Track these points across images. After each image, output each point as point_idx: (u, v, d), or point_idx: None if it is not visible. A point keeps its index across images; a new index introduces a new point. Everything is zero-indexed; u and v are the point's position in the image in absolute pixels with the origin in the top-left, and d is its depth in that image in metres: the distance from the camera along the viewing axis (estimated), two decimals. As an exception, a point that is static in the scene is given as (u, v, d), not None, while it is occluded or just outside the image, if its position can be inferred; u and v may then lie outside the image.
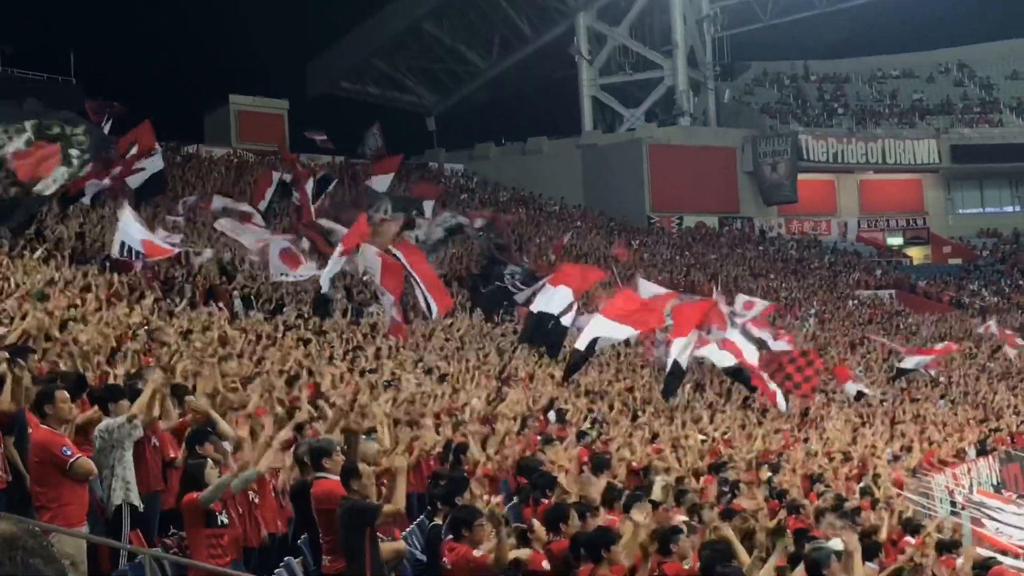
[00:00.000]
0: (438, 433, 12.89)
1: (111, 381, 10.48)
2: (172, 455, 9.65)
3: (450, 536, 8.39)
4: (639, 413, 21.52)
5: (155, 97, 54.96)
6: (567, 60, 68.70)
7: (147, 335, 14.80)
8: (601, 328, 16.50)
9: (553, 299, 19.75)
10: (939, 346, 36.37)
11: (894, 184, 68.36)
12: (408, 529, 10.61)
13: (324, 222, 25.12)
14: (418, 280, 19.12)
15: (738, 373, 20.55)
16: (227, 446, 9.23)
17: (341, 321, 23.66)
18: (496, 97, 73.13)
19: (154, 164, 24.92)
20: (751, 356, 20.34)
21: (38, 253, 20.48)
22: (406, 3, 68.78)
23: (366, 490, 7.97)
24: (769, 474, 16.82)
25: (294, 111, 61.33)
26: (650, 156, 64.15)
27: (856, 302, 54.60)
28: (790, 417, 25.14)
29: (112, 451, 8.68)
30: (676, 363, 19.62)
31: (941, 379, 36.39)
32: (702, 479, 14.86)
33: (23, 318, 12.37)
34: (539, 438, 15.22)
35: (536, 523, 8.91)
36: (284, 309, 24.13)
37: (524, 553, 8.33)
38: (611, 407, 21.54)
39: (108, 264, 21.51)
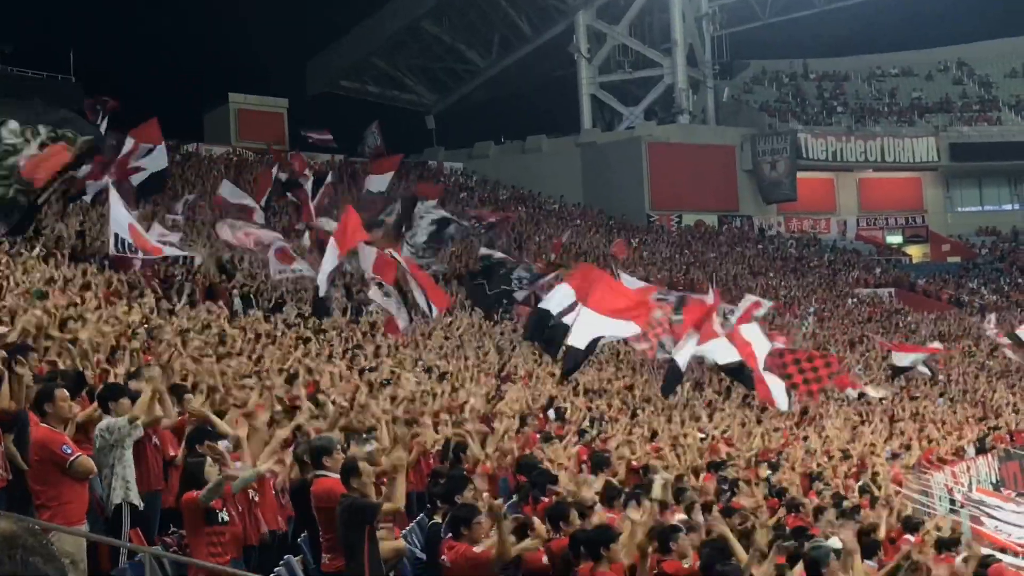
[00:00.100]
0: (437, 432, 12.89)
1: (111, 379, 10.48)
2: (172, 453, 9.66)
3: (449, 535, 8.39)
4: (638, 412, 21.54)
5: (155, 95, 54.91)
6: (566, 59, 68.67)
7: (147, 333, 14.80)
8: (597, 325, 16.37)
9: (553, 297, 19.72)
10: (933, 345, 36.31)
11: (893, 182, 68.35)
12: (408, 527, 10.63)
13: (324, 221, 25.14)
14: (417, 280, 19.16)
15: (738, 371, 20.45)
16: (226, 444, 9.22)
17: (340, 320, 23.66)
18: (495, 96, 73.14)
19: (156, 162, 24.88)
20: (762, 350, 20.19)
21: (36, 251, 20.48)
22: (406, 2, 68.79)
23: (366, 488, 7.97)
24: (768, 472, 16.84)
25: (294, 110, 61.38)
26: (649, 154, 64.13)
27: (855, 300, 54.61)
28: (790, 415, 25.13)
29: (112, 450, 8.68)
30: (675, 362, 19.61)
31: (940, 377, 36.40)
32: (701, 477, 14.88)
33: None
34: (538, 436, 15.24)
35: (536, 520, 8.91)
36: (284, 308, 24.13)
37: (530, 544, 8.32)
38: (609, 405, 21.56)
39: (107, 262, 21.51)
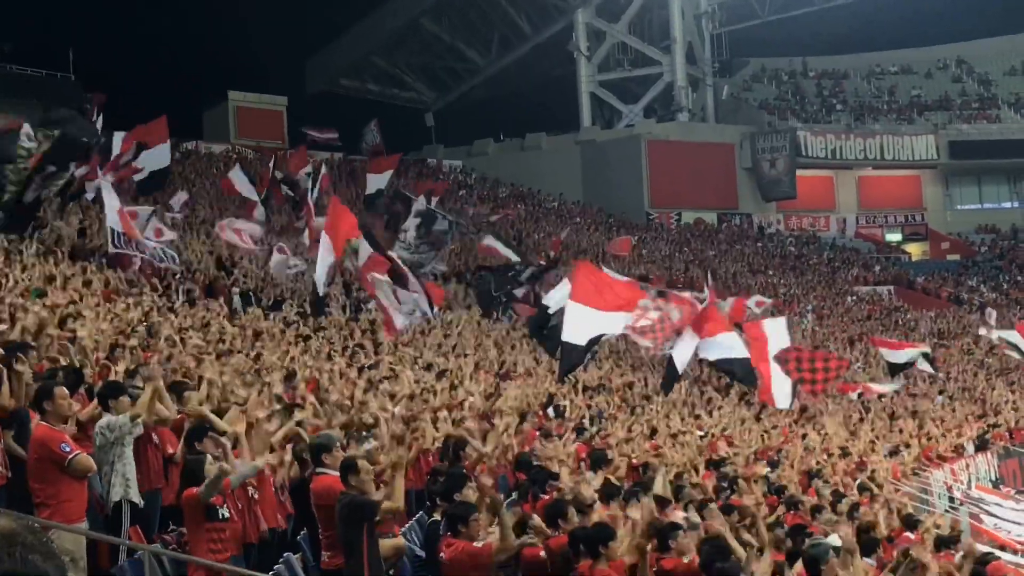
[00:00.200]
0: (437, 429, 12.89)
1: (111, 377, 10.48)
2: (171, 451, 9.66)
3: (448, 533, 8.39)
4: (637, 409, 21.54)
5: (154, 93, 54.97)
6: (566, 57, 68.66)
7: (146, 331, 14.81)
8: (586, 320, 16.15)
9: (554, 296, 19.67)
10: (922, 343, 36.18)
11: (892, 180, 68.34)
12: (407, 525, 10.63)
13: (320, 221, 25.07)
14: (414, 279, 19.13)
15: (736, 368, 20.30)
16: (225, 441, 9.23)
17: (340, 318, 23.66)
18: (495, 94, 73.13)
19: (158, 160, 24.81)
20: (779, 344, 20.05)
21: (32, 248, 20.48)
22: (405, 1, 68.75)
23: (364, 485, 7.97)
24: (768, 469, 16.84)
25: (293, 108, 61.38)
26: (649, 152, 64.14)
27: (855, 298, 54.62)
28: (788, 413, 25.12)
29: (112, 447, 8.68)
30: (672, 359, 19.54)
31: (939, 375, 36.38)
32: (700, 474, 14.88)
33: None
34: (538, 433, 15.24)
35: (536, 518, 8.91)
36: (283, 306, 24.12)
37: (531, 538, 8.32)
38: (608, 403, 21.56)
39: (106, 260, 21.51)
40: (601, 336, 17.69)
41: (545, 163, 64.92)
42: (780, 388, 19.85)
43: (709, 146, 65.33)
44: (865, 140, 67.00)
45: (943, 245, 67.40)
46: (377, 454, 9.74)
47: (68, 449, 7.90)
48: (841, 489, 16.83)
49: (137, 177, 24.37)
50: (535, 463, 12.16)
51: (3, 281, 16.35)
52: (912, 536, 13.29)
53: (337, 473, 8.27)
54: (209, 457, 8.44)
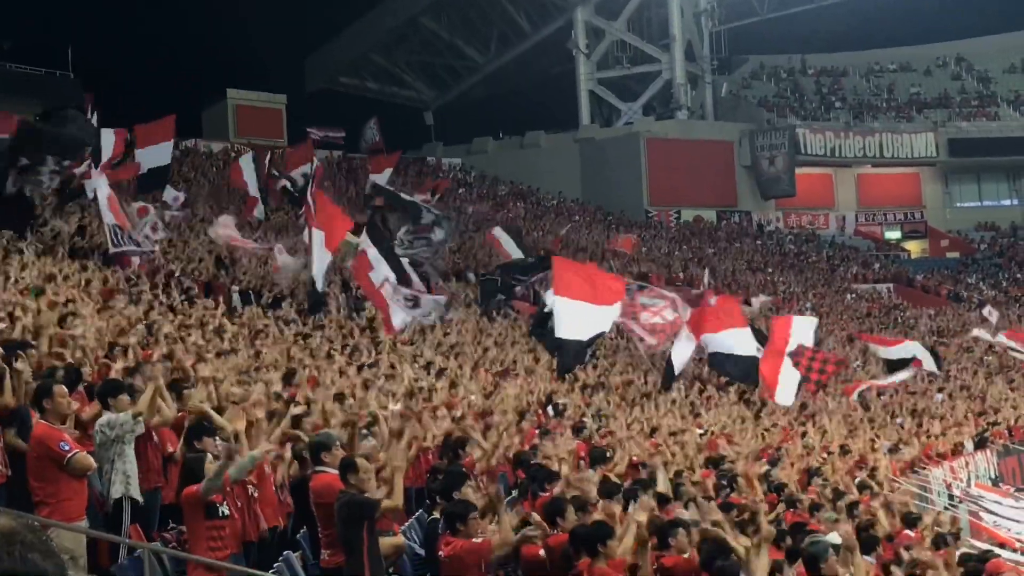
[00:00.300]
0: (436, 427, 12.88)
1: (110, 376, 10.48)
2: (171, 450, 9.66)
3: (447, 531, 8.39)
4: (636, 408, 21.51)
5: (153, 91, 55.05)
6: (565, 55, 68.65)
7: (145, 329, 14.81)
8: (581, 315, 16.07)
9: (550, 294, 19.67)
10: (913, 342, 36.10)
11: (892, 178, 68.36)
12: (407, 523, 10.64)
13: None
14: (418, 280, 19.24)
15: (732, 366, 20.28)
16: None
17: (339, 316, 23.64)
18: (494, 92, 73.15)
19: (158, 158, 24.78)
20: (801, 340, 20.01)
21: (31, 247, 20.47)
22: (404, -2, 68.84)
23: (363, 484, 7.97)
24: (767, 467, 16.82)
25: (292, 106, 61.38)
26: (648, 150, 64.13)
27: (854, 296, 54.62)
28: (787, 412, 25.12)
29: (113, 445, 8.68)
30: (670, 357, 19.56)
31: (938, 373, 36.32)
32: (698, 472, 14.88)
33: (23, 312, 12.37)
34: (537, 432, 15.23)
35: (535, 516, 8.90)
36: (283, 304, 24.10)
37: (530, 532, 8.30)
38: (608, 401, 21.56)
39: (103, 259, 21.50)
40: (602, 333, 17.71)
41: (544, 161, 64.92)
42: (786, 384, 19.82)
43: (708, 144, 65.33)
44: (864, 138, 67.00)
45: (942, 243, 67.41)
46: (376, 452, 9.74)
47: (67, 448, 7.90)
48: (841, 487, 16.82)
49: (139, 172, 24.38)
50: (536, 460, 12.15)
51: (2, 279, 16.34)
52: (912, 534, 13.30)
53: (336, 471, 8.28)
54: (209, 456, 8.44)
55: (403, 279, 18.89)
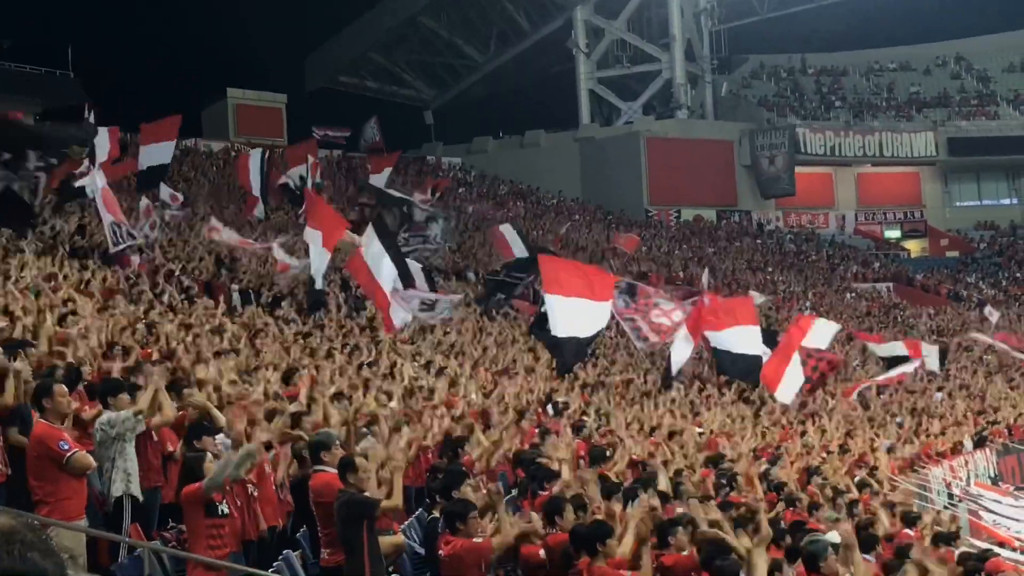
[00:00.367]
0: (435, 427, 12.88)
1: (110, 375, 10.48)
2: (171, 449, 9.66)
3: (446, 530, 8.40)
4: (636, 406, 21.51)
5: (153, 91, 55.07)
6: (565, 54, 68.63)
7: (145, 329, 14.81)
8: (576, 311, 15.97)
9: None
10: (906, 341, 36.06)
11: (891, 177, 68.36)
12: (407, 522, 10.64)
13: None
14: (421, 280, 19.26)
15: (731, 364, 20.22)
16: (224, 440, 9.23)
17: (339, 315, 23.63)
18: (494, 91, 73.16)
19: (159, 157, 24.76)
20: (815, 342, 19.97)
21: (30, 246, 20.48)
22: (404, -2, 68.83)
23: (363, 483, 7.97)
24: (766, 466, 16.83)
25: (292, 105, 61.42)
26: (648, 149, 64.13)
27: (853, 295, 54.61)
28: (787, 410, 25.11)
29: (113, 443, 8.68)
30: (670, 356, 19.55)
31: (938, 372, 36.30)
32: (698, 471, 14.88)
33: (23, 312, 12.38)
34: (537, 431, 15.23)
35: (534, 515, 8.91)
36: (283, 303, 24.09)
37: (529, 527, 8.31)
38: (608, 400, 21.54)
39: (103, 259, 21.50)
40: (600, 331, 17.68)
41: (544, 160, 64.92)
42: (790, 383, 19.79)
43: (708, 143, 65.33)
44: (864, 137, 67.00)
45: (942, 242, 67.41)
46: (375, 451, 9.74)
47: (66, 447, 7.90)
48: (840, 486, 16.82)
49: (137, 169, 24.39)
50: (537, 459, 12.15)
51: (2, 279, 16.34)
52: (912, 533, 13.30)
53: (336, 471, 8.28)
54: (209, 455, 8.44)
55: (410, 283, 18.83)
